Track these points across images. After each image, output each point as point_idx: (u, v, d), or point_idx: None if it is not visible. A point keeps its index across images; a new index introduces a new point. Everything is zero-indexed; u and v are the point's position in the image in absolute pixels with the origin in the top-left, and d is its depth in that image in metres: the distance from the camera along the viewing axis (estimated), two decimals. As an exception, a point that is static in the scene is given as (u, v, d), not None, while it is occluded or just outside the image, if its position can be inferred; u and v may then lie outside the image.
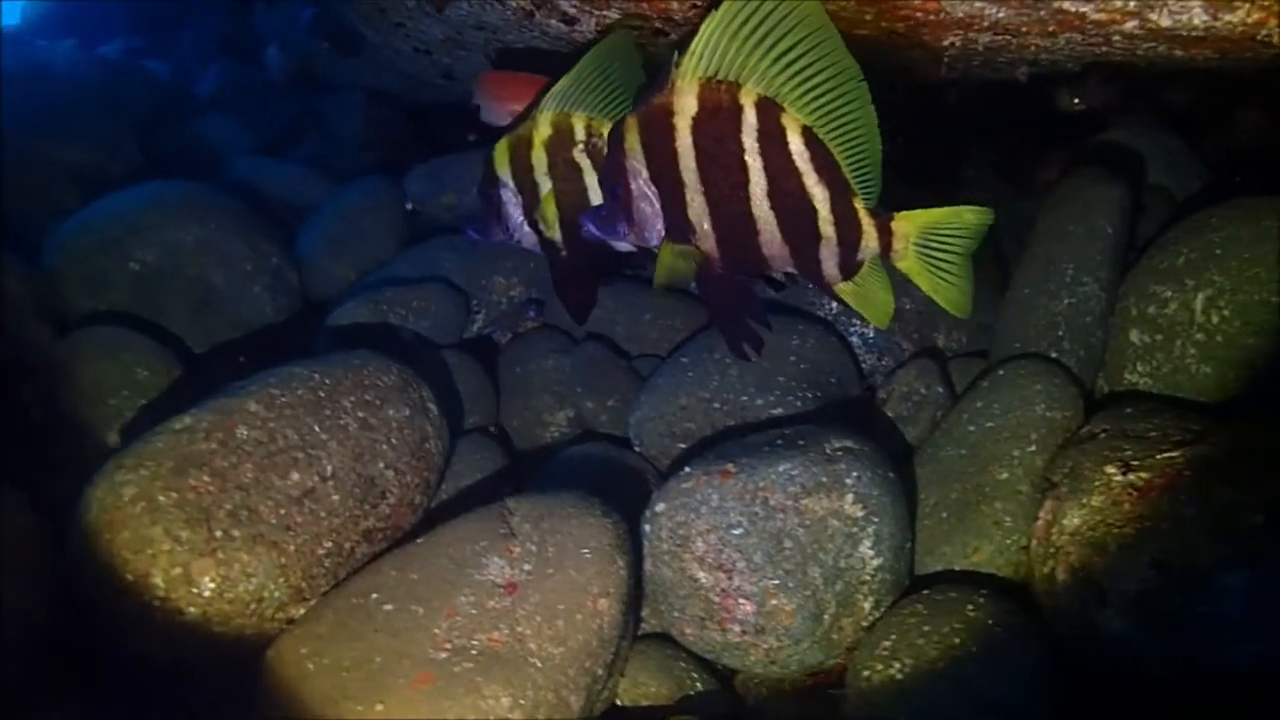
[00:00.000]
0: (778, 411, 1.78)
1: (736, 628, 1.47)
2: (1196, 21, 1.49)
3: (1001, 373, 1.77)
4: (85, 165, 2.66)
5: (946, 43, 1.76)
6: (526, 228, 1.97)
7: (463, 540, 1.38)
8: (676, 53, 1.51)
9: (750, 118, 1.49)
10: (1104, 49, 1.74)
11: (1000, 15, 1.55)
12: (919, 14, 1.61)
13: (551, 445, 1.96)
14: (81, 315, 2.13)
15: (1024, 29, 1.65)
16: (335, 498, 1.44)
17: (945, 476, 1.71)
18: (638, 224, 1.66)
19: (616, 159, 1.63)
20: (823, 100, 1.47)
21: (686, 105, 1.52)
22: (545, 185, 1.90)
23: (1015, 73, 2.07)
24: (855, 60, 1.46)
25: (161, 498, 1.32)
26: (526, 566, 1.32)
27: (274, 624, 1.38)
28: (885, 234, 1.53)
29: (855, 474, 1.51)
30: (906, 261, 1.55)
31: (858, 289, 1.62)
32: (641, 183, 1.62)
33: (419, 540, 1.42)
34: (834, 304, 2.05)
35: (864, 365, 2.02)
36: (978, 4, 1.53)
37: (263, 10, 3.42)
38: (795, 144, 1.49)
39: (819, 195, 1.51)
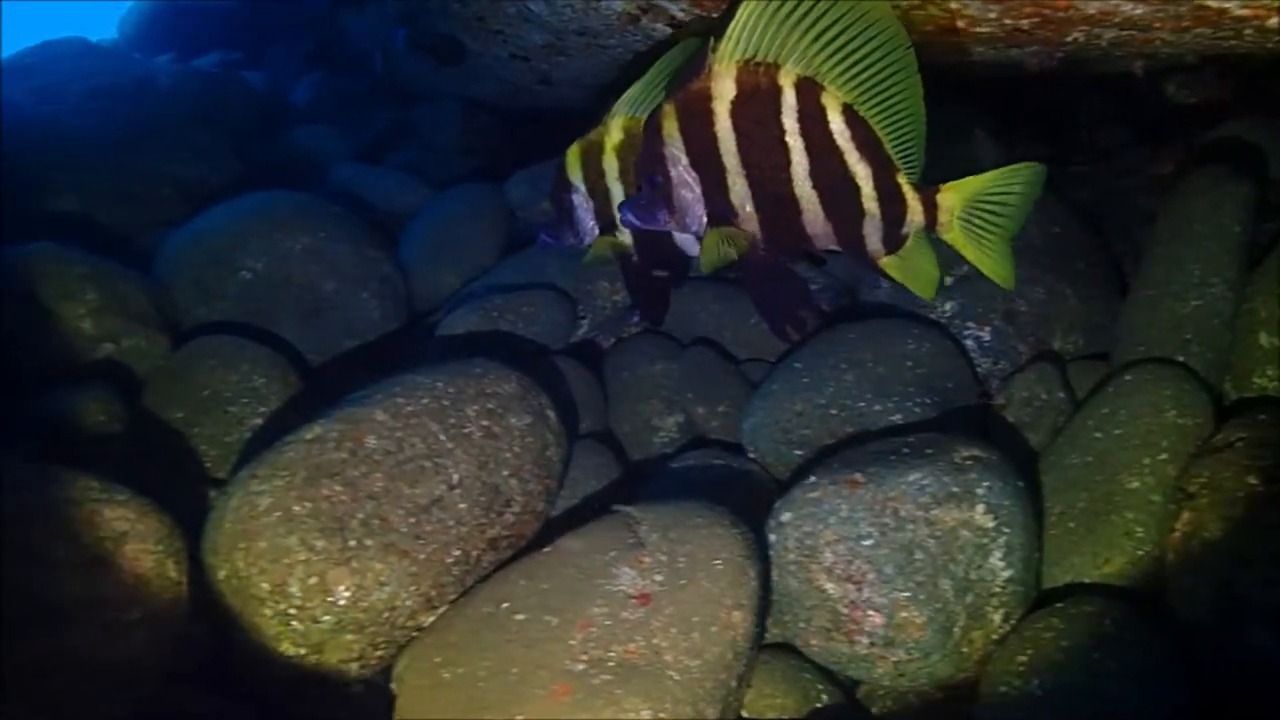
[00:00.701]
0: (896, 418, 1.75)
1: (864, 640, 1.44)
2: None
3: (1128, 377, 1.72)
4: (188, 176, 2.71)
5: (1070, 39, 1.72)
6: (597, 232, 1.97)
7: (591, 550, 1.37)
8: (713, 38, 1.50)
9: (790, 98, 1.48)
10: (1232, 42, 1.68)
11: (1136, 11, 1.51)
12: (1047, 10, 1.56)
13: (662, 451, 1.95)
14: (194, 324, 2.16)
15: (1155, 24, 1.60)
16: (462, 506, 1.44)
17: (1071, 485, 1.66)
18: (678, 211, 1.65)
19: (654, 147, 1.63)
20: (864, 76, 1.45)
21: (725, 89, 1.51)
22: (616, 190, 1.89)
23: (1131, 66, 2.01)
24: (903, 29, 1.44)
25: (296, 507, 1.33)
26: (658, 577, 1.31)
27: (404, 631, 1.39)
28: (930, 207, 1.52)
29: (986, 484, 1.48)
30: (952, 233, 1.54)
31: (903, 262, 1.60)
32: (681, 169, 1.62)
33: (546, 550, 1.42)
34: (948, 306, 2.01)
35: (979, 369, 1.97)
36: (1113, 1, 1.49)
37: (355, 19, 3.46)
38: (836, 123, 1.48)
39: (862, 172, 1.50)
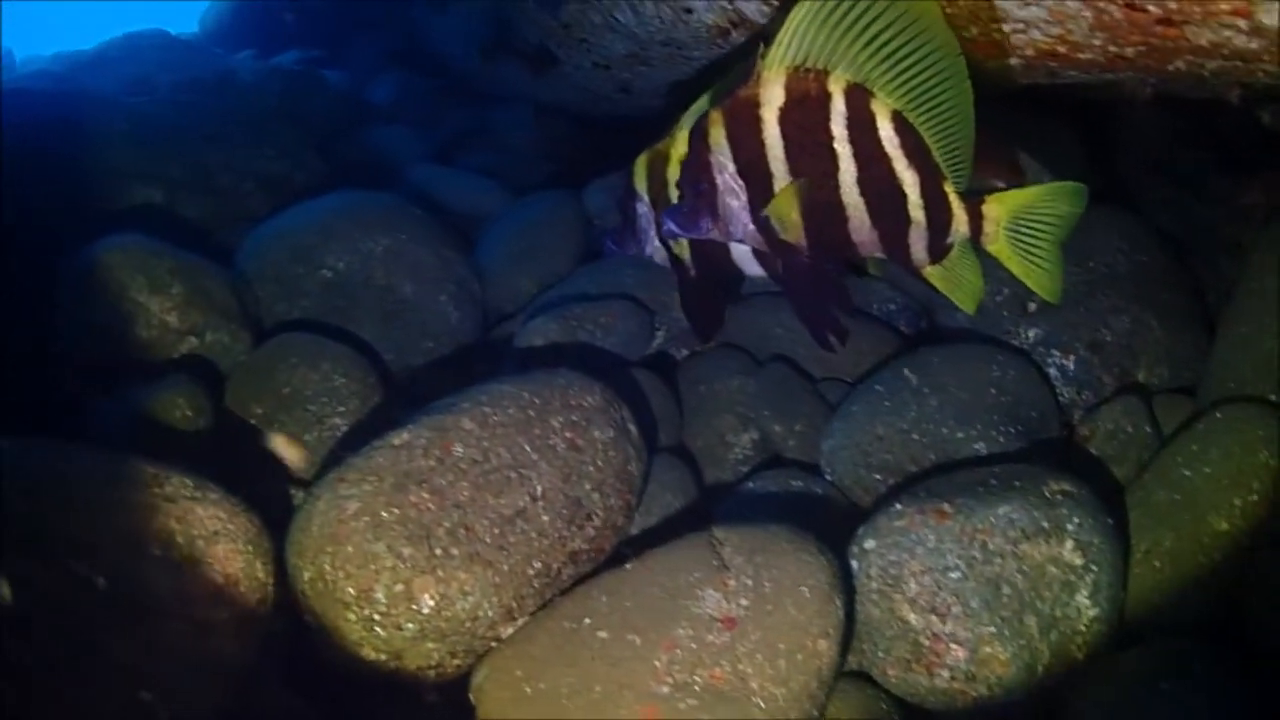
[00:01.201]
0: (979, 446, 1.73)
1: (945, 673, 1.42)
2: None
3: (1219, 416, 1.68)
4: (271, 173, 2.73)
5: (1171, 67, 1.68)
6: (657, 242, 1.95)
7: (674, 570, 1.36)
8: (762, 44, 1.50)
9: (839, 105, 1.48)
10: (1343, 74, 1.64)
11: (1250, 45, 1.47)
12: (1154, 40, 1.54)
13: (736, 467, 1.94)
14: (275, 321, 2.18)
15: (1264, 56, 1.57)
16: (545, 518, 1.43)
17: (1157, 523, 1.63)
18: (723, 219, 1.65)
19: (700, 154, 1.62)
20: (914, 83, 1.45)
21: (774, 96, 1.51)
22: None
23: (1228, 94, 1.97)
24: (953, 35, 1.42)
25: (384, 514, 1.33)
26: (743, 601, 1.30)
27: (483, 641, 1.39)
28: (976, 218, 1.52)
29: (1076, 519, 1.45)
30: (997, 244, 1.55)
31: (946, 273, 1.61)
32: (728, 176, 1.62)
33: (628, 566, 1.41)
34: (1031, 334, 1.99)
35: (1062, 399, 1.94)
36: (1226, 33, 1.46)
37: (436, 19, 3.47)
38: (885, 130, 1.48)
39: (909, 180, 1.50)
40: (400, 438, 1.43)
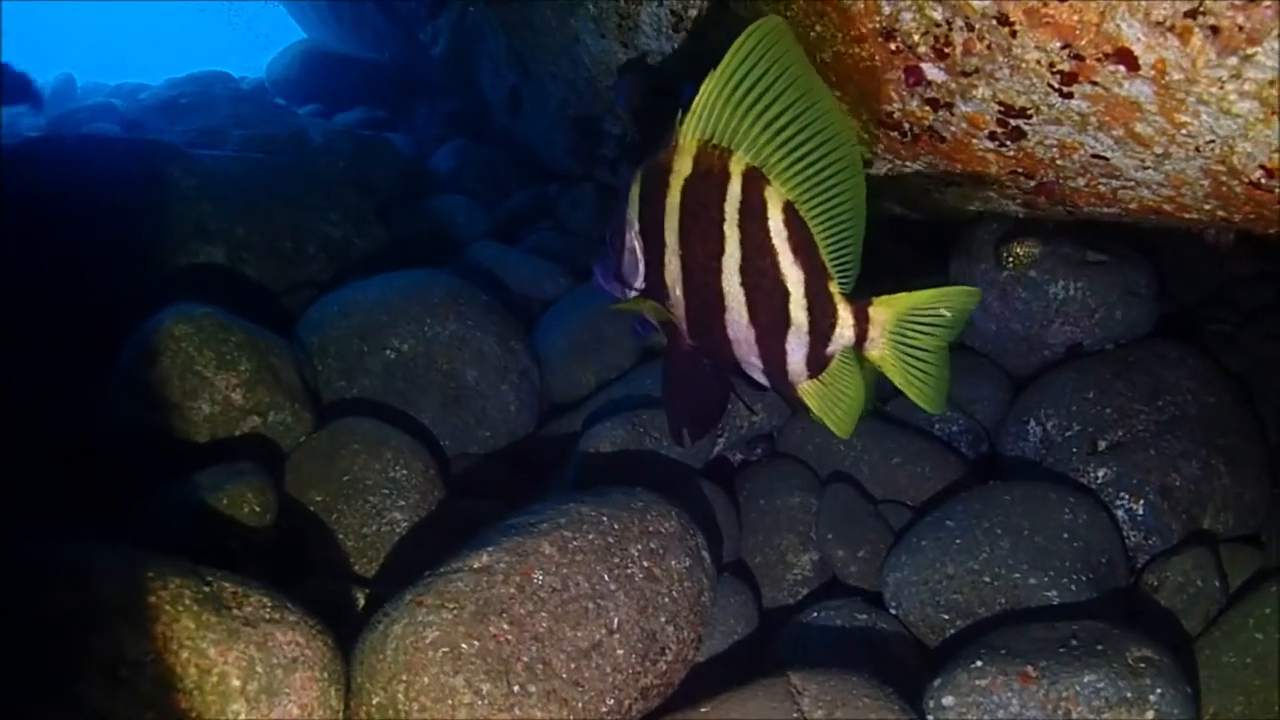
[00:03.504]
0: (1051, 594, 1.70)
1: (1020, 842, 1.39)
2: None
3: (1291, 577, 1.66)
4: (335, 238, 2.73)
5: (1275, 231, 1.68)
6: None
7: (750, 717, 1.33)
8: (680, 112, 1.43)
9: (735, 188, 1.41)
10: None
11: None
12: (1269, 210, 1.52)
13: (795, 588, 1.91)
14: (334, 398, 2.16)
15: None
16: (620, 652, 1.41)
17: (1227, 685, 1.60)
18: (624, 277, 1.61)
19: (619, 209, 1.58)
20: (809, 172, 1.37)
21: (683, 166, 1.45)
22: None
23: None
24: (848, 123, 1.35)
25: (464, 645, 1.30)
26: (825, 762, 1.27)
27: (552, 781, 1.35)
28: (861, 322, 1.43)
29: (1159, 691, 1.42)
30: (879, 351, 1.45)
31: (824, 390, 1.51)
32: (632, 235, 1.57)
33: (703, 709, 1.38)
34: (1101, 473, 1.96)
35: (1127, 542, 1.91)
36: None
37: (495, 87, 3.49)
38: (775, 221, 1.40)
39: (793, 278, 1.42)
40: (480, 560, 1.40)
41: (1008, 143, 1.55)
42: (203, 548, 1.50)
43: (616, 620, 1.42)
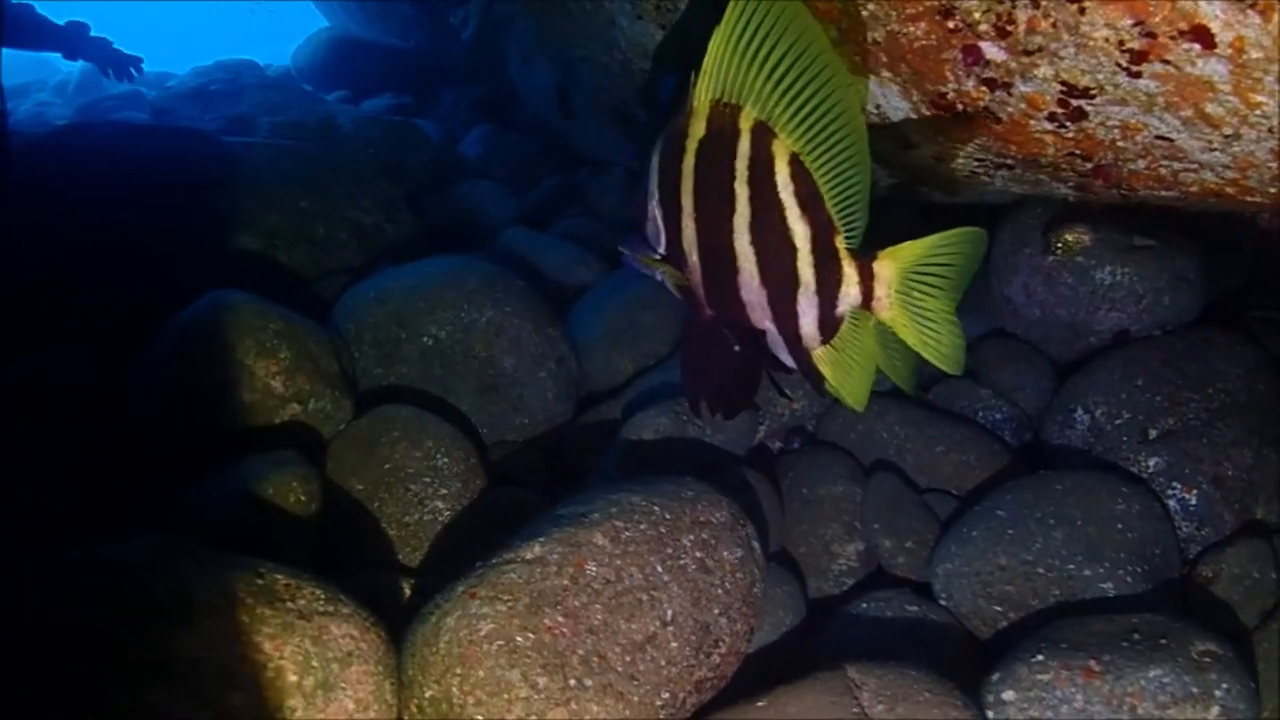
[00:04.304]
0: (1106, 585, 1.66)
1: (1085, 835, 1.36)
2: None
3: (1354, 574, 1.62)
4: (366, 224, 2.71)
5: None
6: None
7: (810, 713, 1.31)
8: (694, 73, 1.40)
9: (745, 144, 1.38)
10: None
11: None
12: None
13: (840, 578, 1.88)
14: (371, 386, 2.14)
15: None
16: (674, 645, 1.38)
17: (1287, 680, 1.57)
18: (649, 245, 1.58)
19: (644, 179, 1.56)
20: (810, 122, 1.33)
21: (697, 128, 1.42)
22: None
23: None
24: (844, 69, 1.32)
25: (519, 638, 1.28)
26: (889, 758, 1.24)
27: (607, 774, 1.33)
28: (867, 279, 1.39)
29: (1224, 686, 1.39)
30: (889, 311, 1.40)
31: (836, 356, 1.47)
32: (653, 205, 1.54)
33: (759, 703, 1.36)
34: (1152, 463, 1.92)
35: (1179, 532, 1.88)
36: None
37: (524, 74, 3.45)
38: (781, 174, 1.36)
39: (800, 232, 1.38)
40: (532, 551, 1.38)
41: (1068, 124, 1.52)
42: (249, 540, 1.49)
43: (670, 612, 1.40)
